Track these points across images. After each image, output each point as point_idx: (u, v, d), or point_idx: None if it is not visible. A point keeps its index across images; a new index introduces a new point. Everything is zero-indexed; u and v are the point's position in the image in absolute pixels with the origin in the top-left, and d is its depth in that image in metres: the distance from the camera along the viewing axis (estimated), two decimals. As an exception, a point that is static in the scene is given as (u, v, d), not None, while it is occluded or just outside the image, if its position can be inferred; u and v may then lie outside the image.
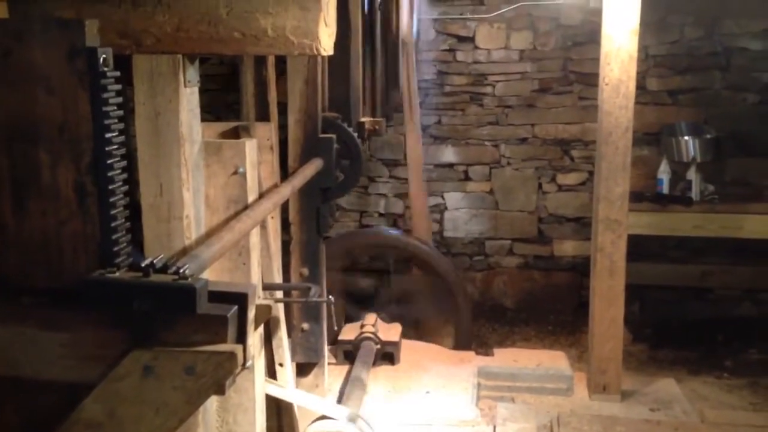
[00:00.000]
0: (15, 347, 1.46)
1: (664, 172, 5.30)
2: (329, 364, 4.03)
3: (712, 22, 5.41)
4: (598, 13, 4.16)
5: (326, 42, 1.96)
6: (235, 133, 2.79)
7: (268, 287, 2.98)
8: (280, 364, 3.18)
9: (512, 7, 5.55)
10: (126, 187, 1.52)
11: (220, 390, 1.45)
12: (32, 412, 1.53)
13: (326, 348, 3.71)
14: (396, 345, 4.53)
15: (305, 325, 3.51)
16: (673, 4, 5.25)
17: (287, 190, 2.73)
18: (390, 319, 4.90)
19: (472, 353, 4.75)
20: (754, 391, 4.53)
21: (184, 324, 1.42)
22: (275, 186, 2.89)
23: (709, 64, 5.49)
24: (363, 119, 3.79)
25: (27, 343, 1.46)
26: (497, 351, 4.83)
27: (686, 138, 5.25)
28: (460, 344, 4.97)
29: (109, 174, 1.46)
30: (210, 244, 1.89)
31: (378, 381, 4.25)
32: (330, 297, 3.23)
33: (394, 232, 5.56)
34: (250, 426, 2.47)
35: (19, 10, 1.76)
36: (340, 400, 3.80)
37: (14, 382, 1.49)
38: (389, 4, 4.23)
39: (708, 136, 5.29)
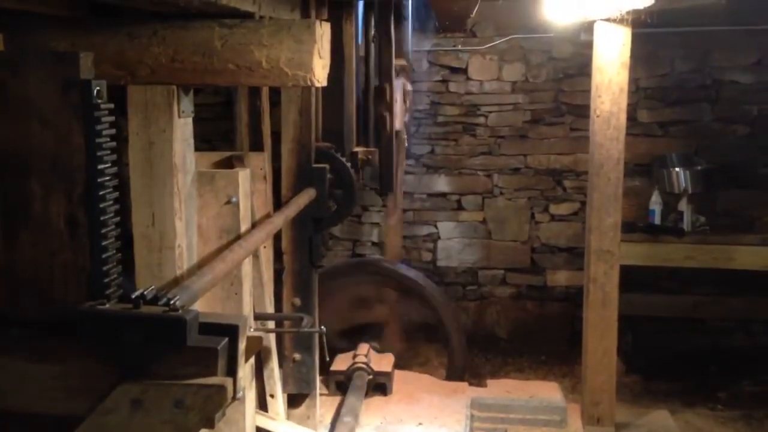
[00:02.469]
0: (2, 379, 1.44)
1: (655, 203, 5.33)
2: (321, 394, 3.99)
3: (702, 55, 5.49)
4: (589, 45, 4.21)
5: (320, 73, 1.98)
6: (228, 163, 2.80)
7: (259, 317, 2.96)
8: (271, 395, 3.16)
9: (504, 39, 5.62)
10: (118, 218, 1.52)
11: (210, 424, 1.43)
12: (19, 446, 1.50)
13: (318, 378, 3.68)
14: (388, 375, 4.49)
15: (297, 356, 3.48)
16: (663, 38, 5.33)
17: (280, 220, 2.73)
18: (382, 349, 4.87)
19: (465, 384, 4.71)
20: (748, 423, 4.51)
21: (173, 356, 1.41)
22: (268, 215, 2.89)
23: (699, 97, 5.55)
24: (356, 149, 3.81)
25: (15, 375, 1.44)
26: (490, 382, 4.79)
27: (677, 169, 5.29)
28: (452, 375, 4.93)
29: (102, 205, 1.46)
30: (202, 274, 1.89)
31: (370, 412, 4.21)
32: (322, 327, 3.21)
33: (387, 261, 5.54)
34: (239, 459, 2.44)
35: (15, 42, 1.78)
36: (331, 432, 3.76)
37: (1, 414, 1.47)
38: (383, 97, 4.22)
39: (699, 167, 5.33)
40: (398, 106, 4.54)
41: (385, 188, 4.39)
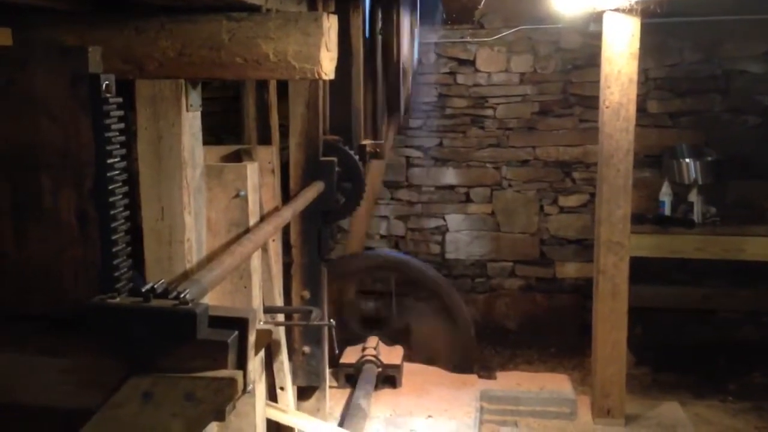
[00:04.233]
0: (13, 373, 1.45)
1: (665, 195, 5.30)
2: (331, 387, 4.01)
3: (712, 45, 5.44)
4: (597, 36, 4.19)
5: (327, 66, 1.97)
6: (236, 157, 2.81)
7: (269, 310, 2.97)
8: (281, 388, 3.17)
9: (512, 30, 5.59)
10: (127, 212, 1.52)
11: (220, 416, 1.44)
12: (30, 439, 1.51)
13: (327, 371, 3.69)
14: (398, 368, 4.50)
15: (306, 349, 3.49)
16: (673, 28, 5.29)
17: (288, 213, 2.73)
18: (392, 341, 4.87)
19: (474, 376, 4.72)
20: (759, 416, 4.49)
21: (184, 350, 1.42)
22: (276, 209, 2.89)
23: (709, 87, 5.51)
24: (364, 142, 3.80)
25: (26, 369, 1.45)
26: (500, 374, 4.80)
27: (687, 160, 5.25)
28: (462, 367, 4.93)
29: (111, 199, 1.46)
30: (211, 268, 1.89)
31: (380, 405, 4.22)
32: (331, 320, 3.21)
33: (395, 254, 5.54)
34: (250, 451, 2.45)
35: (23, 37, 1.78)
36: (341, 424, 3.77)
37: (12, 408, 1.48)
38: (390, 29, 4.26)
39: (709, 158, 5.30)
40: (405, 37, 4.57)
41: (392, 110, 4.39)
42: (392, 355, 4.61)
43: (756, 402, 4.64)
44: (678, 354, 5.27)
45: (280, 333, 3.15)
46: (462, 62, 5.73)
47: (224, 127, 5.54)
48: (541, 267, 5.86)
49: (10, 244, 1.48)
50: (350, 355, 4.57)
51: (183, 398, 1.40)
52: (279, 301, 3.13)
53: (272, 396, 3.15)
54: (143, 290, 1.44)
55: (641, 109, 5.11)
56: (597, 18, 4.19)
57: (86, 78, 1.42)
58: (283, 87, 3.35)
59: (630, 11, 3.87)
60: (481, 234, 5.88)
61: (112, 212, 1.47)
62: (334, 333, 3.29)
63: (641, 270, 4.70)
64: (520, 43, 5.65)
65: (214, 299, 2.29)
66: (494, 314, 5.90)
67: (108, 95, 1.44)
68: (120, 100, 1.48)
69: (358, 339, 4.77)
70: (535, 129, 5.73)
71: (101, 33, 1.89)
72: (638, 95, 4.10)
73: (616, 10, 3.90)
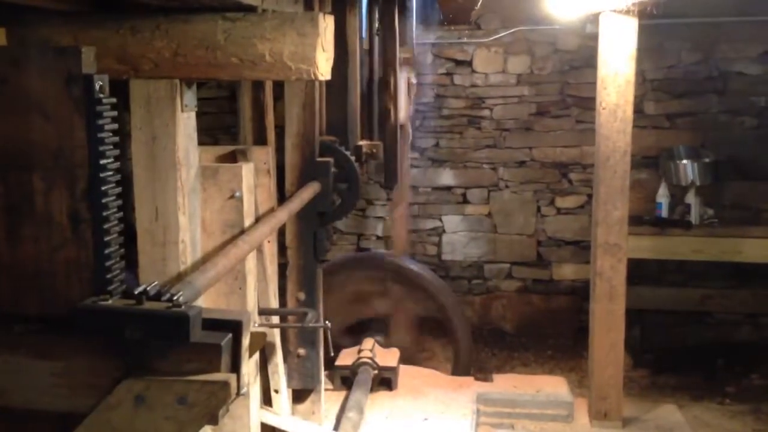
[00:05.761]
0: (5, 376, 1.43)
1: (663, 196, 5.30)
2: (326, 389, 3.99)
3: (709, 47, 5.45)
4: (594, 38, 4.18)
5: (323, 67, 1.96)
6: (232, 157, 2.79)
7: (264, 312, 2.95)
8: (276, 391, 3.15)
9: (509, 31, 5.59)
10: (120, 214, 1.51)
11: (213, 420, 1.42)
12: (22, 443, 1.50)
13: (323, 374, 3.68)
14: (394, 370, 4.49)
15: (301, 351, 3.47)
16: (670, 29, 5.29)
17: (284, 215, 2.71)
18: (388, 343, 4.86)
19: (470, 379, 4.70)
20: (757, 418, 4.49)
21: (177, 353, 1.40)
22: (272, 210, 2.88)
23: (706, 88, 5.51)
24: (360, 143, 3.79)
25: (17, 371, 1.43)
26: (496, 377, 4.79)
27: (685, 162, 5.26)
28: (458, 369, 4.92)
29: (104, 200, 1.45)
30: (205, 269, 1.87)
31: (375, 407, 4.21)
32: (327, 322, 3.20)
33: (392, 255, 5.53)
34: (245, 454, 2.44)
35: (17, 36, 1.77)
36: (337, 427, 3.75)
37: (3, 411, 1.47)
38: (387, 29, 4.25)
39: (706, 159, 5.30)
40: (402, 98, 4.54)
41: (389, 181, 4.37)
42: (388, 357, 4.60)
43: (754, 404, 4.64)
44: (676, 356, 5.27)
45: (275, 335, 3.14)
46: (459, 63, 5.73)
47: (220, 128, 5.54)
48: (538, 268, 5.85)
49: (2, 245, 1.47)
50: (346, 358, 4.56)
51: (176, 401, 1.39)
52: (274, 303, 3.12)
53: (267, 399, 3.13)
54: (136, 292, 1.43)
55: (638, 111, 5.11)
56: (594, 19, 4.19)
57: (80, 78, 1.41)
58: (279, 87, 3.33)
59: (627, 12, 3.87)
60: (477, 235, 5.88)
61: (105, 213, 1.45)
62: (329, 335, 3.28)
63: (639, 271, 4.70)
64: (517, 44, 5.64)
65: (209, 301, 2.27)
66: (491, 316, 5.89)
67: (102, 95, 1.43)
68: (114, 100, 1.46)
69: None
70: (532, 130, 5.72)
71: (96, 33, 1.88)
72: (635, 96, 4.10)
73: (613, 11, 3.90)
